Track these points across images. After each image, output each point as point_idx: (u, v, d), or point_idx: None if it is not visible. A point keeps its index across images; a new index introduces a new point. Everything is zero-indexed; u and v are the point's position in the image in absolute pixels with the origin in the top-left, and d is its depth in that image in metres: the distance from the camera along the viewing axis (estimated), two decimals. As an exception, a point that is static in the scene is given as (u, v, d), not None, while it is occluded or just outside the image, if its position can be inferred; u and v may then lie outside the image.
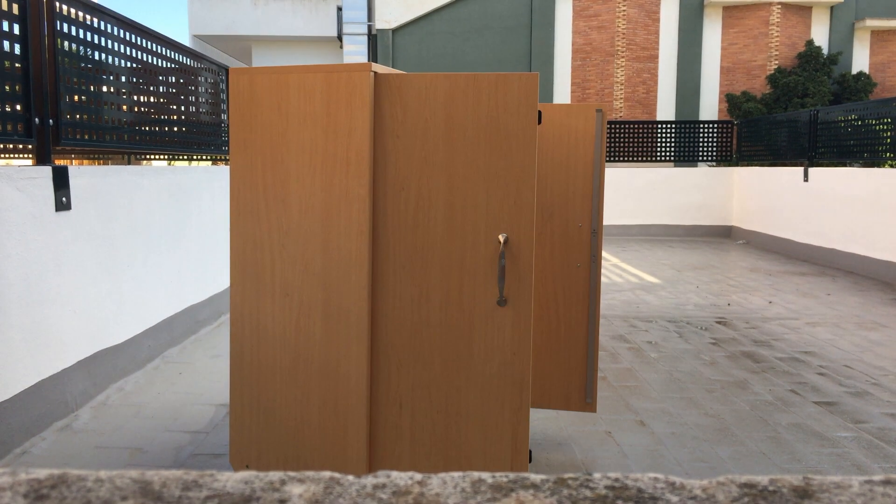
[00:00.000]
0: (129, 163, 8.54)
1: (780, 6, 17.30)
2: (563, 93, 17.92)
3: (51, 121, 3.47)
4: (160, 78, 4.77)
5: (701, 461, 3.07)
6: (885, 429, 3.43)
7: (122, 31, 4.19)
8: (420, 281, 2.31)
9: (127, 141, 4.29)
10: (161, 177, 4.63)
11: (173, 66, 4.98)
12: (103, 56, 3.99)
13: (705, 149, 12.37)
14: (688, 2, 17.62)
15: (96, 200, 3.80)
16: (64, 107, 3.58)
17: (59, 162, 5.73)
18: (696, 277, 7.89)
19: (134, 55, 4.36)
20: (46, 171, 3.34)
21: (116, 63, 4.15)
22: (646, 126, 12.30)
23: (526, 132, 2.20)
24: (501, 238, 2.23)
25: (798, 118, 10.29)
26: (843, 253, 8.51)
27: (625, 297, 6.73)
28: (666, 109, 17.85)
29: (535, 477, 0.55)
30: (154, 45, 4.64)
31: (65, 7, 3.58)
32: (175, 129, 5.08)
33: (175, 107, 5.04)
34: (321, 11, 18.80)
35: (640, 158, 12.28)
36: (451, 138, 2.24)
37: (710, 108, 17.85)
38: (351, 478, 0.54)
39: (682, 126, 12.34)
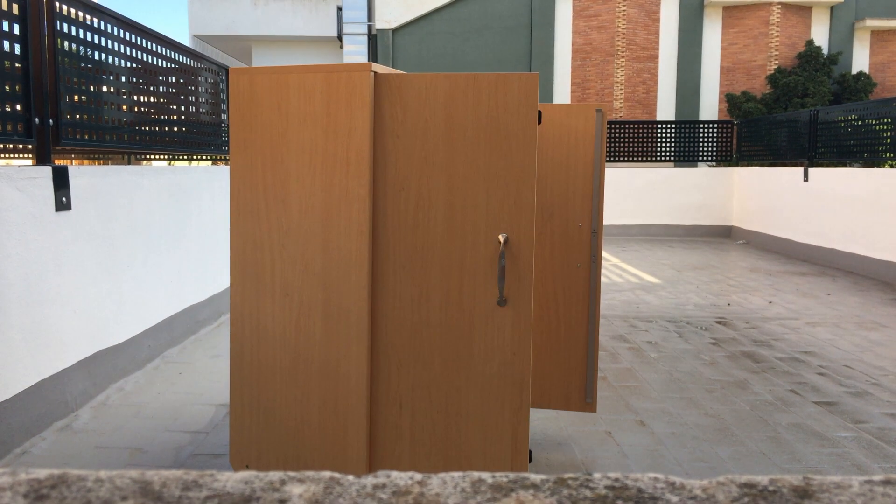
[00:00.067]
0: (129, 163, 8.54)
1: (780, 6, 17.30)
2: (563, 93, 17.92)
3: (51, 121, 3.47)
4: (160, 78, 4.77)
5: (701, 461, 3.07)
6: (885, 429, 3.43)
7: (122, 31, 4.20)
8: (420, 281, 2.31)
9: (127, 141, 4.29)
10: (161, 177, 4.63)
11: (173, 66, 4.98)
12: (103, 56, 3.99)
13: (705, 149, 12.37)
14: (688, 2, 17.62)
15: (96, 200, 3.80)
16: (64, 107, 3.58)
17: (59, 162, 5.73)
18: (696, 277, 7.89)
19: (134, 55, 4.36)
20: (46, 171, 3.34)
21: (116, 63, 4.15)
22: (646, 126, 12.30)
23: (526, 132, 2.20)
24: (501, 238, 2.23)
25: (798, 118, 10.29)
26: (843, 253, 8.51)
27: (625, 297, 6.73)
28: (666, 109, 17.85)
29: (535, 477, 0.55)
30: (154, 45, 4.64)
31: (65, 7, 3.58)
32: (175, 129, 5.08)
33: (175, 107, 5.04)
34: (321, 11, 18.80)
35: (640, 158, 12.28)
36: (451, 138, 2.24)
37: (710, 108, 17.85)
38: (351, 478, 0.54)
39: (682, 126, 12.34)
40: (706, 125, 12.40)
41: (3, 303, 3.03)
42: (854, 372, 4.34)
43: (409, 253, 2.31)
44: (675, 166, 13.44)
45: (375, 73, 2.25)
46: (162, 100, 4.80)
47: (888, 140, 7.99)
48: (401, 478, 0.54)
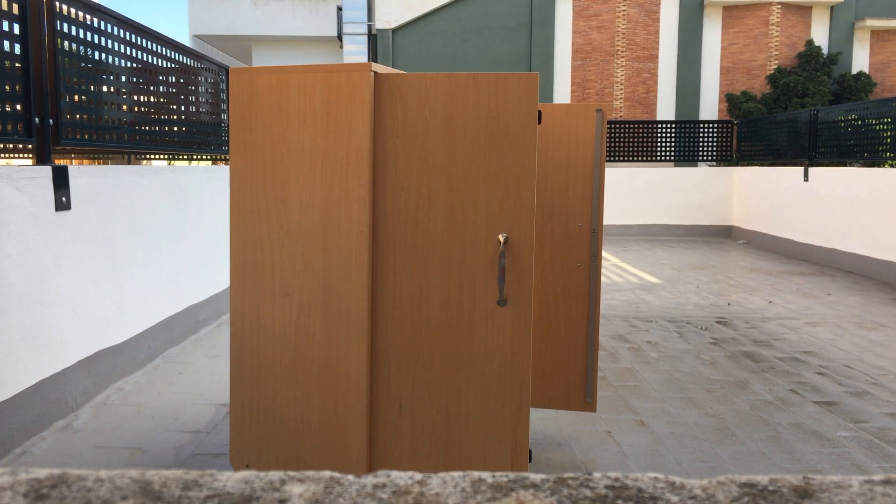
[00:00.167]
0: (129, 163, 8.54)
1: (780, 6, 17.30)
2: (563, 93, 17.92)
3: (51, 121, 3.47)
4: (160, 78, 4.77)
5: (701, 461, 3.07)
6: (885, 428, 3.43)
7: (122, 31, 4.19)
8: (420, 281, 2.31)
9: (127, 141, 4.29)
10: (161, 177, 4.63)
11: (173, 65, 4.98)
12: (103, 56, 3.99)
13: (705, 149, 12.37)
14: (688, 2, 17.62)
15: (96, 200, 3.80)
16: (64, 107, 3.58)
17: (59, 162, 5.73)
18: (696, 277, 7.89)
19: (134, 55, 4.36)
20: (46, 170, 3.34)
21: (116, 63, 4.15)
22: (646, 126, 12.30)
23: (526, 132, 2.20)
24: (501, 238, 2.23)
25: (798, 118, 10.29)
26: (843, 253, 8.51)
27: (625, 296, 6.73)
28: (666, 109, 17.85)
29: (535, 477, 0.55)
30: (154, 45, 4.64)
31: (65, 7, 3.58)
32: (175, 128, 5.08)
33: (175, 107, 5.04)
34: (321, 11, 18.80)
35: (640, 158, 12.28)
36: (451, 138, 2.24)
37: (710, 107, 17.85)
38: (351, 477, 0.54)
39: (682, 126, 12.34)
40: (706, 125, 12.40)
41: (3, 303, 3.03)
42: (854, 372, 4.34)
43: (409, 253, 2.31)
44: (675, 166, 13.44)
45: (375, 72, 2.25)
46: (162, 100, 4.80)
47: (888, 140, 7.99)
48: (401, 477, 0.54)
